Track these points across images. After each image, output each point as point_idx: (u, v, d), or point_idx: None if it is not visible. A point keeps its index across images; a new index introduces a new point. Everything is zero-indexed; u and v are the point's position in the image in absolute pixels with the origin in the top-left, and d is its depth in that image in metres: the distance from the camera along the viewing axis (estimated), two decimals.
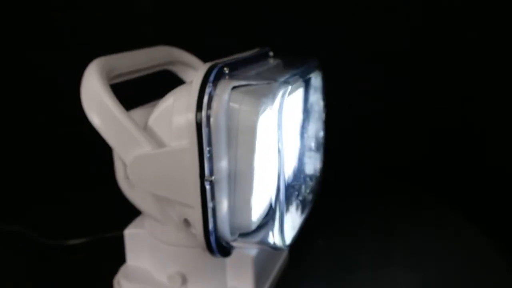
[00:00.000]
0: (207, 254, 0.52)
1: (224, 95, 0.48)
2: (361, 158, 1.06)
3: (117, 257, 0.66)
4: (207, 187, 0.48)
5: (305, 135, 0.66)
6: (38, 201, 0.92)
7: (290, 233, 0.56)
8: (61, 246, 0.77)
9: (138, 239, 0.63)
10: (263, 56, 0.64)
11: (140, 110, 0.59)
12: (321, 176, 0.71)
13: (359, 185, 1.00)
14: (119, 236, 0.65)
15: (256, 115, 0.48)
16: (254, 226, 0.52)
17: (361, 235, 0.80)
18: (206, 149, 0.48)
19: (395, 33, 1.01)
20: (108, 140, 0.54)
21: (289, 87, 0.50)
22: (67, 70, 0.84)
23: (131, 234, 0.64)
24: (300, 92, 0.62)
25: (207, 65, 0.50)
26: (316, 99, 0.67)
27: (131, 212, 0.64)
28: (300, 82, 0.60)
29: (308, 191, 0.66)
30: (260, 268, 0.61)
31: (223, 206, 0.50)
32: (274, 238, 0.51)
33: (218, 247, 0.52)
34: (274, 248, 0.52)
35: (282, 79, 0.51)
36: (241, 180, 0.50)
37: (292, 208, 0.59)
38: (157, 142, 0.54)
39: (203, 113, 0.47)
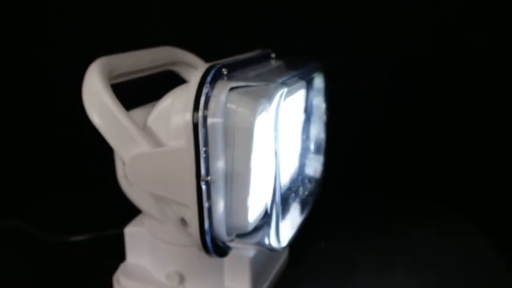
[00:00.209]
0: (203, 254, 0.53)
1: (221, 96, 0.48)
2: (361, 158, 1.06)
3: (118, 255, 0.67)
4: (203, 187, 0.48)
5: (306, 137, 0.66)
6: (38, 201, 0.92)
7: (286, 235, 0.56)
8: (63, 242, 0.78)
9: (138, 237, 0.64)
10: (265, 58, 0.64)
11: (140, 110, 0.60)
12: (321, 178, 0.71)
13: (359, 185, 1.00)
14: (120, 234, 0.66)
15: (253, 116, 0.48)
16: (250, 227, 0.52)
17: (361, 235, 0.80)
18: (202, 149, 0.48)
19: (395, 33, 1.01)
20: (108, 139, 0.55)
21: (286, 89, 0.50)
22: (67, 70, 0.84)
23: (131, 232, 0.65)
24: (301, 93, 0.62)
25: (206, 65, 0.50)
26: (318, 101, 0.67)
27: (131, 212, 0.64)
28: (301, 84, 0.60)
29: (306, 193, 0.66)
30: (257, 269, 0.61)
31: (219, 206, 0.50)
32: (270, 239, 0.51)
33: (214, 247, 0.52)
34: (270, 249, 0.52)
35: (280, 80, 0.51)
36: (237, 181, 0.50)
37: (290, 209, 0.59)
38: (156, 142, 0.54)
39: (200, 113, 0.47)
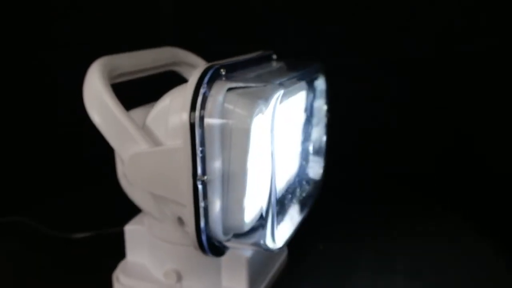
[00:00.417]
0: (200, 253, 0.53)
1: (219, 96, 0.48)
2: (361, 158, 1.06)
3: (118, 253, 0.67)
4: (199, 186, 0.49)
5: (305, 138, 0.65)
6: (41, 199, 0.93)
7: (283, 236, 0.55)
8: (65, 239, 0.79)
9: (138, 236, 0.64)
10: (266, 59, 0.64)
11: (140, 110, 0.60)
12: (321, 180, 0.70)
13: (359, 185, 1.00)
14: (120, 232, 0.66)
15: (250, 117, 0.48)
16: (247, 228, 0.52)
17: (361, 235, 0.80)
18: (199, 149, 0.48)
19: (395, 33, 1.01)
20: (108, 138, 0.55)
21: (283, 90, 0.49)
22: (67, 70, 0.85)
23: (131, 230, 0.65)
24: (301, 95, 0.62)
25: (204, 66, 0.50)
26: (319, 103, 0.67)
27: (131, 210, 0.65)
28: (302, 85, 0.60)
29: (304, 194, 0.66)
30: (255, 269, 0.61)
31: (215, 206, 0.50)
32: (265, 240, 0.51)
33: (210, 246, 0.52)
34: (266, 249, 0.52)
35: (277, 81, 0.51)
36: (234, 181, 0.50)
37: (287, 210, 0.59)
38: (154, 141, 0.54)
39: (197, 113, 0.48)
